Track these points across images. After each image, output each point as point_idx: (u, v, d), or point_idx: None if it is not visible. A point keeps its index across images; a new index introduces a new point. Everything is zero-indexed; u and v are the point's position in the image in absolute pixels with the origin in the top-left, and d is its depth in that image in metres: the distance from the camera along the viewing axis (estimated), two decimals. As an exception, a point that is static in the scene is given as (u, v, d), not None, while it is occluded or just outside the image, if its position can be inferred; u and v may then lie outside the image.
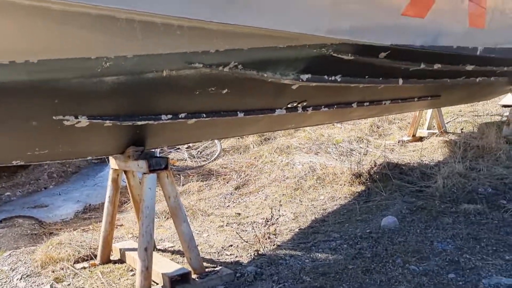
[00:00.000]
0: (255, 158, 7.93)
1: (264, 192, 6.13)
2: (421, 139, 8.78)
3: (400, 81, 4.25)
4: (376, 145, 8.52)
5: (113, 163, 3.85)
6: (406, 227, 4.28)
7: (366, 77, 3.88)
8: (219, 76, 3.01)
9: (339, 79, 3.65)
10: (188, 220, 5.19)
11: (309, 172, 6.53)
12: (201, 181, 7.09)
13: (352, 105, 4.60)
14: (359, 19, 3.13)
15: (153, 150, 3.58)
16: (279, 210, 5.15)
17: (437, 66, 4.18)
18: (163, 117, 3.22)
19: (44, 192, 7.30)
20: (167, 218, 5.43)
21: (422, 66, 4.02)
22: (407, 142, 8.57)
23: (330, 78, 3.58)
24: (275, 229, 4.61)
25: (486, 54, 4.32)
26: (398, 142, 8.59)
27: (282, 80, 3.28)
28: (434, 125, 9.01)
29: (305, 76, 3.41)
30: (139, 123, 3.18)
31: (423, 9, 3.49)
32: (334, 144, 8.37)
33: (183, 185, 6.94)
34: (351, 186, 5.90)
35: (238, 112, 3.65)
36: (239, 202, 5.94)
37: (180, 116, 3.32)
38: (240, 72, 3.03)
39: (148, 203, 3.33)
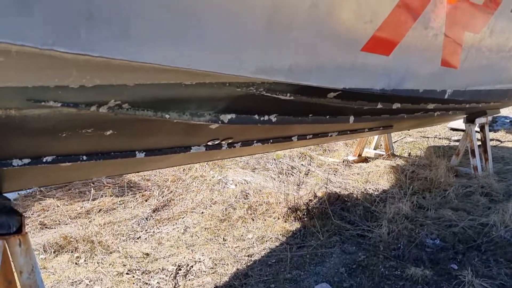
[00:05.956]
0: (184, 170, 6.98)
1: (184, 221, 5.22)
2: (366, 159, 8.20)
3: (351, 119, 3.46)
4: (319, 163, 7.83)
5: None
6: (342, 298, 3.55)
7: (310, 115, 3.05)
8: (94, 117, 2.07)
9: (274, 119, 2.80)
10: (82, 259, 4.21)
11: (240, 198, 5.69)
12: (116, 195, 6.08)
13: (292, 138, 3.78)
14: (302, 55, 2.27)
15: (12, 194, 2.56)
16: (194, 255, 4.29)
17: (396, 106, 3.43)
18: (15, 162, 2.23)
19: None
20: (57, 252, 4.41)
21: (380, 106, 3.26)
22: (352, 163, 7.95)
23: (262, 119, 2.72)
24: (185, 284, 3.73)
25: (454, 97, 3.63)
26: (343, 162, 7.95)
27: (194, 121, 2.38)
28: (382, 143, 8.45)
29: (227, 117, 2.53)
30: (-22, 168, 2.17)
31: (390, 45, 2.69)
32: (274, 159, 7.59)
33: (93, 199, 5.90)
34: (285, 221, 5.11)
35: (136, 152, 2.70)
36: (153, 232, 5.00)
37: (45, 160, 2.34)
38: (127, 113, 2.09)
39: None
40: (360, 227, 4.91)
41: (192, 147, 2.99)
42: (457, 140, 9.24)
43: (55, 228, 5.11)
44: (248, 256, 4.33)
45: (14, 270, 2.47)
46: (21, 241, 2.43)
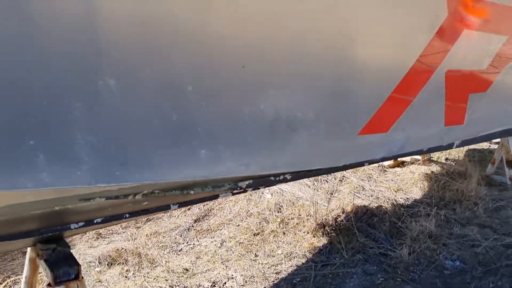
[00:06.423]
0: (224, 177, 7.51)
1: (221, 234, 5.75)
2: (402, 163, 8.37)
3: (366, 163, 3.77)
4: (355, 169, 8.10)
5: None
6: (356, 323, 3.94)
7: (323, 168, 3.40)
8: (132, 200, 2.55)
9: (289, 177, 3.18)
10: (131, 273, 4.83)
11: (274, 211, 6.14)
12: (162, 203, 6.71)
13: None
14: (302, 151, 2.61)
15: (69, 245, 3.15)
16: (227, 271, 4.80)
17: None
18: (72, 226, 2.78)
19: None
20: (110, 264, 5.07)
21: (390, 155, 3.55)
22: (387, 168, 8.16)
23: (278, 179, 3.11)
24: (218, 304, 4.26)
25: (464, 144, 3.82)
26: (378, 166, 8.17)
27: (215, 191, 2.82)
28: (419, 147, 8.56)
29: (245, 183, 2.94)
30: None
31: (387, 124, 2.97)
32: (310, 165, 7.93)
33: (142, 207, 6.55)
34: (313, 236, 5.52)
35: (170, 205, 3.19)
36: (193, 244, 5.57)
37: (95, 221, 2.88)
38: (158, 196, 2.56)
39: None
40: (384, 246, 5.22)
41: (219, 195, 3.44)
42: (498, 142, 9.14)
43: (108, 237, 5.80)
44: (276, 273, 4.79)
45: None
46: (79, 285, 3.01)
